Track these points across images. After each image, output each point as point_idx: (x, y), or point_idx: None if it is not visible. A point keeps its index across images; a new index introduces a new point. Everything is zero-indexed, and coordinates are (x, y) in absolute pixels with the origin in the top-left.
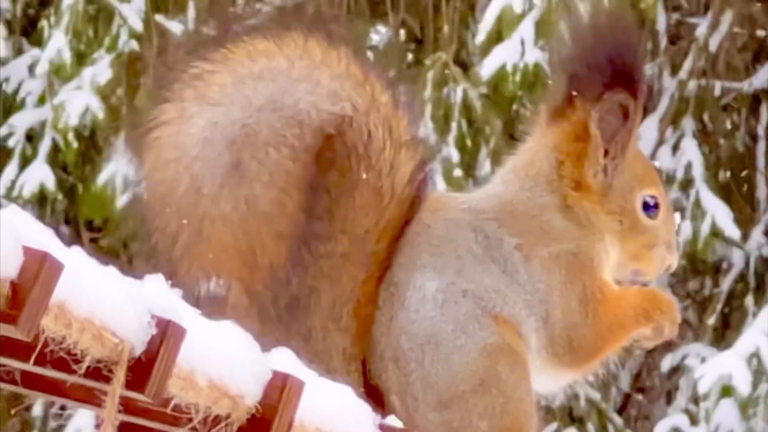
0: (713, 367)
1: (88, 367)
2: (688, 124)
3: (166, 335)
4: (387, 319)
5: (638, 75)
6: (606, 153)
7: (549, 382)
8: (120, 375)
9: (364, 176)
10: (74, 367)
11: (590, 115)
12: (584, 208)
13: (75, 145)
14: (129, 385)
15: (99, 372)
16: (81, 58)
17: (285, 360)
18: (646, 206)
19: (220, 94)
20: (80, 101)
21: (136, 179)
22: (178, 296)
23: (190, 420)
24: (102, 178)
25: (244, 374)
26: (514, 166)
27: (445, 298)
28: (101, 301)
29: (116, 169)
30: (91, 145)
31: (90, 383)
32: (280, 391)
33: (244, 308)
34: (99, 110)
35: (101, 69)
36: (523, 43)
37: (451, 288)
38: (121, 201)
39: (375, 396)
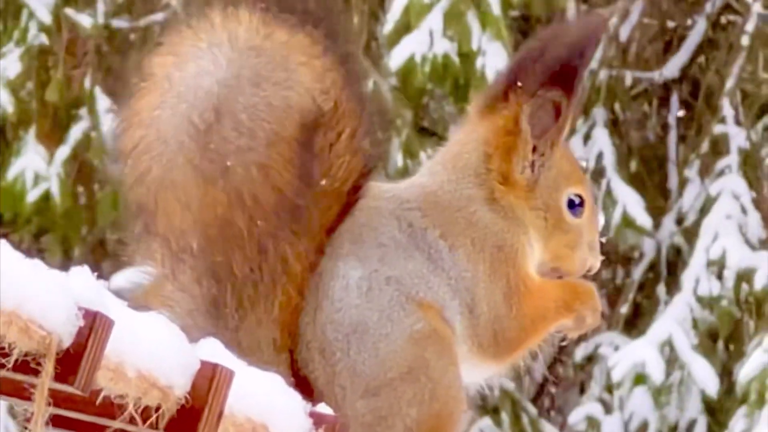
0: (626, 355)
1: (16, 361)
2: (599, 113)
3: (93, 327)
4: (312, 309)
5: (577, 76)
6: (535, 149)
7: (471, 371)
8: (48, 368)
9: (323, 183)
10: (2, 360)
11: (522, 110)
12: (510, 202)
13: None
14: (58, 377)
15: (27, 365)
16: None
17: (214, 350)
18: (571, 204)
19: (213, 53)
20: None
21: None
22: (105, 288)
23: (122, 412)
24: (12, 172)
25: (172, 365)
26: (442, 158)
27: (370, 286)
28: (27, 294)
29: (26, 164)
30: (0, 139)
31: (18, 377)
32: (210, 381)
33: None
34: (9, 104)
35: (10, 62)
36: (431, 33)
37: (375, 276)
38: (32, 196)
39: (304, 386)
